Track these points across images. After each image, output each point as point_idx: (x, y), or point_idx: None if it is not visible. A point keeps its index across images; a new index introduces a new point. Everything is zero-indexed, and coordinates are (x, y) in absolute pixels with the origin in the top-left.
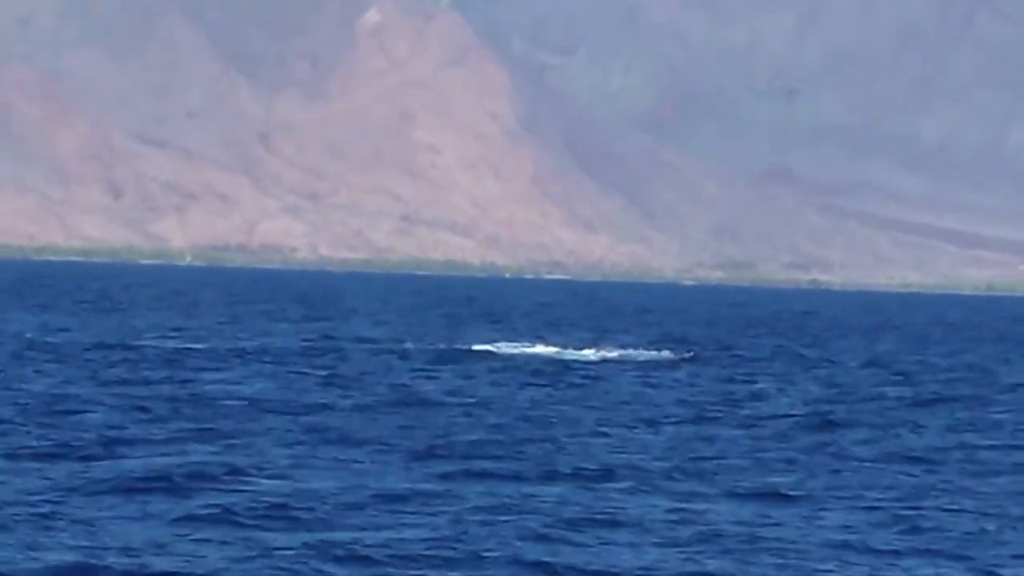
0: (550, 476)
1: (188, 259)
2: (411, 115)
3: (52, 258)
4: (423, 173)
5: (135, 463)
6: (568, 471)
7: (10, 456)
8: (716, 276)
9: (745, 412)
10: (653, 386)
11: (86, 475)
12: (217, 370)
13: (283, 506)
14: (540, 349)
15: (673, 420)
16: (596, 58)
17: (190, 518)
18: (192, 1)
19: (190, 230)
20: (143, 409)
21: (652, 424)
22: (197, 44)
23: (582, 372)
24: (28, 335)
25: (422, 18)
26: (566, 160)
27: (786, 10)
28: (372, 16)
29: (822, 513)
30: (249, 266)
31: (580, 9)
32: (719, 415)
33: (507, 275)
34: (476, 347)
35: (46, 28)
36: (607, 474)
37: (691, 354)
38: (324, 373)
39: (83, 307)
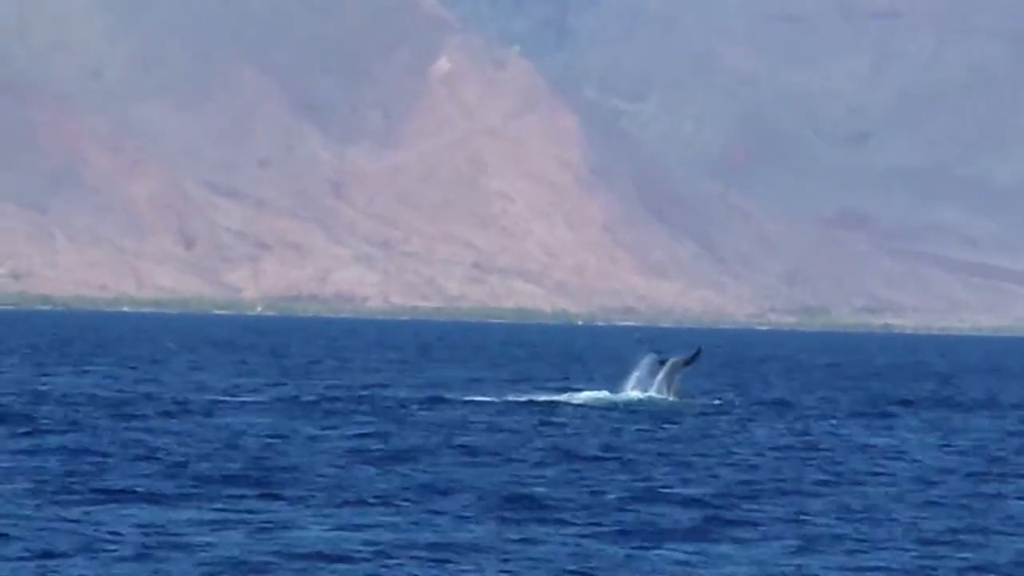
0: None
1: (259, 309)
2: (482, 163)
3: (125, 309)
4: (494, 221)
5: None
6: None
7: None
8: (788, 321)
9: None
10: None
11: None
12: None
13: None
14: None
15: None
16: (667, 104)
17: None
18: (262, 50)
19: (262, 280)
20: None
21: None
22: (268, 93)
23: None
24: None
25: (493, 66)
26: (637, 206)
27: (857, 54)
28: (443, 64)
29: None
30: (322, 315)
31: (651, 55)
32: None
33: (579, 322)
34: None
35: (117, 79)
36: None
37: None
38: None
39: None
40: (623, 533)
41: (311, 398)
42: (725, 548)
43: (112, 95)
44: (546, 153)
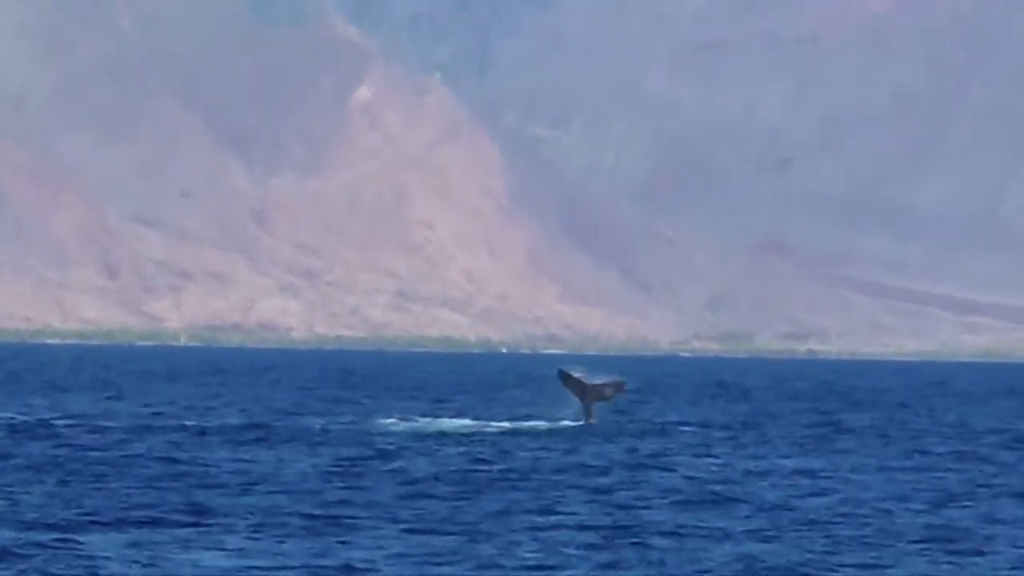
0: None
1: (183, 340)
2: (406, 191)
3: (49, 341)
4: (418, 250)
5: None
6: None
7: None
8: (712, 348)
9: None
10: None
11: None
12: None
13: None
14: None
15: None
16: (589, 131)
17: None
18: (185, 82)
19: (185, 310)
20: None
21: None
22: (190, 124)
23: None
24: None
25: (414, 94)
26: (560, 234)
27: (779, 80)
28: (363, 93)
29: None
30: (246, 346)
31: (573, 82)
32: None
33: (503, 350)
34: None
35: (39, 110)
36: None
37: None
38: None
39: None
40: None
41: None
42: None
43: (34, 126)
44: (469, 181)
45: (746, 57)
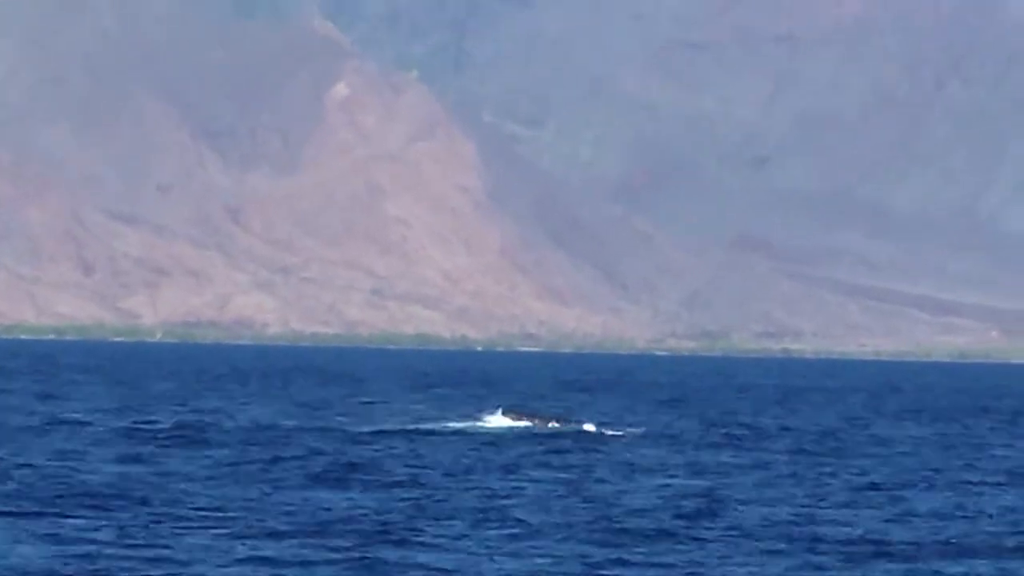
0: None
1: (159, 336)
2: (381, 188)
3: (23, 336)
4: (394, 247)
5: None
6: None
7: None
8: (688, 346)
9: None
10: None
11: None
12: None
13: None
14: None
15: None
16: (565, 129)
17: None
18: (162, 77)
19: (161, 306)
20: None
21: None
22: (167, 120)
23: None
24: None
25: (390, 91)
26: (536, 231)
27: (755, 78)
28: (341, 89)
29: None
30: (221, 342)
31: (549, 80)
32: None
33: (479, 348)
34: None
35: (15, 105)
36: None
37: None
38: None
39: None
40: None
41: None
42: None
43: (9, 121)
44: (444, 178)
45: (721, 55)
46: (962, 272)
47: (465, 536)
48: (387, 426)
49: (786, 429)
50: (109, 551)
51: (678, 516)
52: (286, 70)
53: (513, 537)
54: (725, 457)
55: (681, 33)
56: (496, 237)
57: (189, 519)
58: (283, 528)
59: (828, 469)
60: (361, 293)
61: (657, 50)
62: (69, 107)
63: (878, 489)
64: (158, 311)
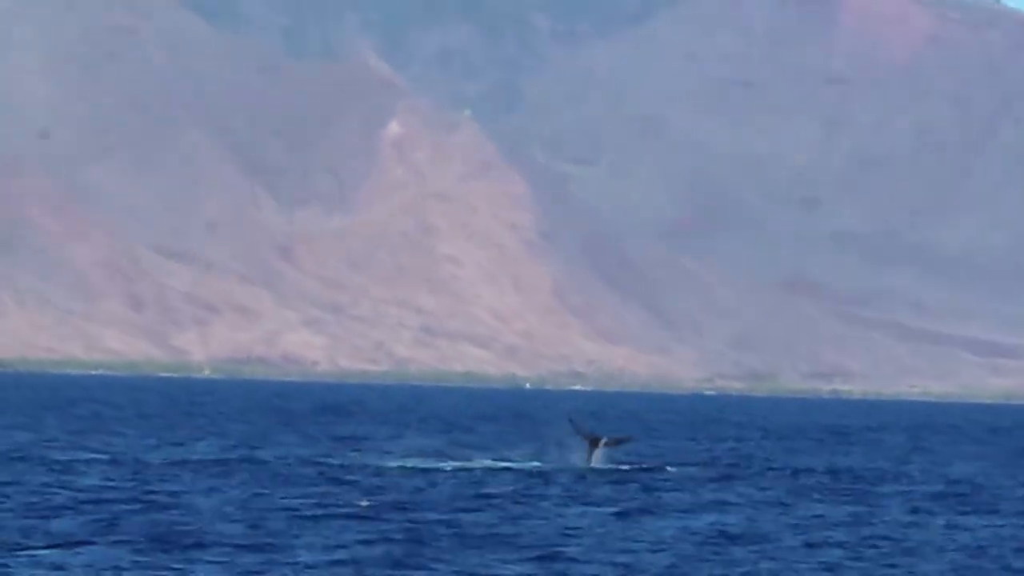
0: None
1: (207, 372)
2: (433, 227)
3: (72, 371)
4: (444, 285)
5: None
6: None
7: None
8: (736, 387)
9: None
10: None
11: None
12: None
13: None
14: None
15: None
16: (617, 168)
17: None
18: (213, 113)
19: (211, 342)
20: None
21: None
22: (218, 156)
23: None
24: None
25: (444, 130)
26: (586, 271)
27: (806, 119)
28: (394, 128)
29: None
30: (270, 379)
31: (601, 119)
32: None
33: (527, 386)
34: None
35: (66, 141)
36: None
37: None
38: None
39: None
40: None
41: None
42: None
43: (61, 157)
44: (495, 217)
45: (773, 96)
46: (1010, 313)
47: None
48: None
49: None
50: None
51: None
52: (339, 108)
53: None
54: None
55: (732, 73)
56: (546, 276)
57: None
58: None
59: None
60: (411, 331)
61: (708, 90)
62: (120, 144)
63: None
64: (207, 347)
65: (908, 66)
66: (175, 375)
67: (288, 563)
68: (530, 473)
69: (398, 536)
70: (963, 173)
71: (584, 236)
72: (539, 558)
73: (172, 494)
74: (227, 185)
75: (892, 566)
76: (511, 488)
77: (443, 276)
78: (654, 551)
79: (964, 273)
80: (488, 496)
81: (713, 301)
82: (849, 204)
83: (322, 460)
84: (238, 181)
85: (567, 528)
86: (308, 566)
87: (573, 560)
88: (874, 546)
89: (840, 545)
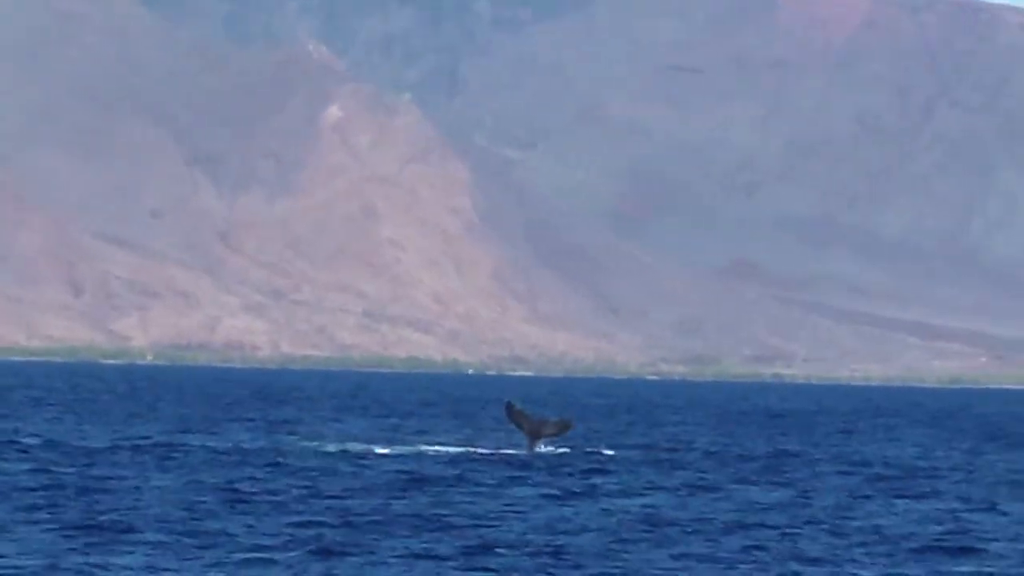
0: None
1: (149, 358)
2: (374, 211)
3: (15, 358)
4: (386, 269)
5: None
6: None
7: None
8: (679, 371)
9: None
10: None
11: None
12: None
13: None
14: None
15: None
16: (559, 153)
17: None
18: (155, 101)
19: (152, 328)
20: None
21: None
22: (160, 144)
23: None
24: None
25: (384, 114)
26: (528, 255)
27: (747, 103)
28: (334, 112)
29: None
30: (212, 364)
31: (542, 104)
32: None
33: (470, 371)
34: None
35: (7, 128)
36: None
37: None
38: None
39: None
40: None
41: None
42: None
43: (3, 145)
44: (437, 201)
45: (713, 80)
46: (952, 297)
47: None
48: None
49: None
50: None
51: None
52: (279, 94)
53: None
54: None
55: (674, 58)
56: (488, 261)
57: None
58: None
59: None
60: (353, 316)
61: (650, 75)
62: (62, 131)
63: None
64: (148, 333)
65: (846, 50)
66: (117, 361)
67: (223, 547)
68: (468, 458)
69: (333, 521)
70: (902, 157)
71: (526, 221)
72: (473, 542)
73: (107, 479)
74: (169, 172)
75: (825, 548)
76: (447, 473)
77: (386, 260)
78: (588, 532)
79: (903, 256)
80: (423, 480)
81: (656, 286)
82: (790, 189)
83: (259, 445)
84: (180, 168)
85: (502, 511)
86: (244, 549)
87: (508, 544)
88: (807, 528)
89: (773, 527)
